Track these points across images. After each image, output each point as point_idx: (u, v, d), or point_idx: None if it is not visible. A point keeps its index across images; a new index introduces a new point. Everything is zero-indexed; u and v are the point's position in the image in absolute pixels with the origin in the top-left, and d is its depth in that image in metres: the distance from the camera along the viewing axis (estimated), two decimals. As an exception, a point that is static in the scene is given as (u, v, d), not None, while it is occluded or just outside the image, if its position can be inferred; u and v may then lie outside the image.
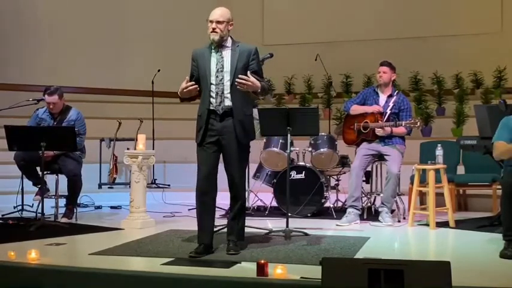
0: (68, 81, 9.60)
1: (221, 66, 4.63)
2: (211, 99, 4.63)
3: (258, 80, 4.61)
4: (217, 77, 4.62)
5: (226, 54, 4.66)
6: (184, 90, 4.59)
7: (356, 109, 6.46)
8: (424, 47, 10.18)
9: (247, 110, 4.73)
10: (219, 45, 4.65)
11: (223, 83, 4.62)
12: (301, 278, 3.77)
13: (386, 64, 6.40)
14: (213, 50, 4.67)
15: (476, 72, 9.72)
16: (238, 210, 4.76)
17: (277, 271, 3.83)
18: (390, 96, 6.41)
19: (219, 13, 4.62)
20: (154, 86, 8.98)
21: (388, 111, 6.33)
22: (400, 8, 10.45)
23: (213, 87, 4.62)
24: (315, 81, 10.52)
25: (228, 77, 4.61)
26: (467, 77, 9.80)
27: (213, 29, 4.59)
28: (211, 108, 4.63)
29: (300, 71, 10.51)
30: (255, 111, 5.95)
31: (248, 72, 4.55)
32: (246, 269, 4.15)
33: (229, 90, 4.61)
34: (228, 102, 4.62)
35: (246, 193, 7.14)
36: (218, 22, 4.59)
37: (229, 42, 4.69)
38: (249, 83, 4.50)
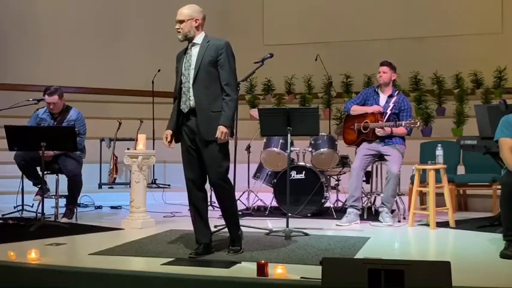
0: (68, 81, 9.61)
1: (188, 64, 4.57)
2: (180, 98, 4.59)
3: (225, 117, 4.47)
4: (184, 75, 4.58)
5: (195, 51, 4.58)
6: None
7: (356, 109, 6.46)
8: (424, 47, 10.19)
9: (214, 106, 4.52)
10: (192, 44, 4.60)
11: (188, 81, 4.55)
12: (301, 278, 3.77)
13: (386, 64, 6.40)
14: (187, 49, 4.64)
15: (476, 72, 9.72)
16: (223, 207, 4.67)
17: (278, 271, 3.83)
18: (390, 96, 6.41)
19: (180, 12, 4.58)
20: (154, 86, 8.98)
21: (389, 112, 6.33)
22: (400, 8, 10.45)
23: (181, 86, 4.58)
24: (315, 81, 10.51)
25: (192, 73, 4.53)
26: (467, 77, 9.79)
27: (177, 29, 4.57)
28: (179, 107, 4.61)
29: (300, 71, 10.50)
30: (255, 111, 5.95)
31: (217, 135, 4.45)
32: (246, 269, 4.15)
33: (193, 88, 4.52)
34: (192, 100, 4.53)
35: (246, 193, 7.21)
36: (179, 21, 4.55)
37: (200, 39, 4.59)
38: (222, 138, 4.44)
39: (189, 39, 4.59)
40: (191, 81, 4.53)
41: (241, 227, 4.85)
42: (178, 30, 4.56)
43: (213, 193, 5.49)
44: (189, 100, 4.55)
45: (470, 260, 4.59)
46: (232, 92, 4.54)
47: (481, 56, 9.71)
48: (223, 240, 4.93)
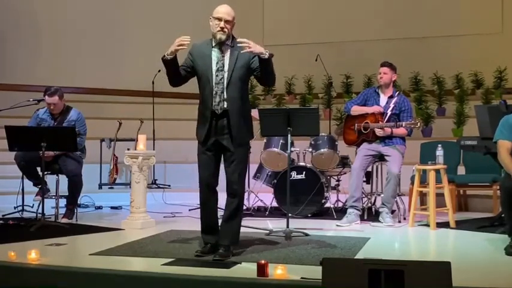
0: (68, 81, 9.62)
1: (221, 65, 4.54)
2: (212, 99, 4.55)
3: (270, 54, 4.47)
4: (217, 76, 4.54)
5: (227, 53, 4.56)
6: (176, 43, 4.45)
7: (356, 110, 6.46)
8: (425, 47, 10.19)
9: (244, 109, 4.63)
10: (221, 44, 4.55)
11: (222, 83, 4.53)
12: (301, 278, 3.77)
13: (386, 65, 6.39)
14: (213, 48, 4.58)
15: (476, 73, 9.73)
16: (234, 210, 4.60)
17: (278, 271, 3.82)
18: (391, 97, 6.40)
19: (228, 12, 4.53)
20: (154, 86, 8.98)
21: (389, 112, 6.32)
22: (400, 9, 10.46)
23: (213, 87, 4.55)
24: (315, 81, 10.52)
25: (226, 76, 4.53)
26: (467, 77, 9.80)
27: (222, 28, 4.49)
28: (212, 108, 4.56)
29: (301, 72, 10.51)
30: (256, 112, 5.96)
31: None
32: (246, 269, 4.15)
33: (226, 90, 4.53)
34: (226, 103, 4.53)
35: (246, 194, 7.20)
36: (227, 21, 4.50)
37: (229, 40, 4.58)
38: (251, 44, 4.36)
39: (224, 40, 4.54)
40: (225, 84, 4.53)
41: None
42: (224, 30, 4.50)
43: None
44: (223, 102, 4.54)
45: (470, 260, 4.59)
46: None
47: (481, 56, 9.71)
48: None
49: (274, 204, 6.94)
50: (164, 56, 4.54)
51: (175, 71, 4.62)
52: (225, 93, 4.53)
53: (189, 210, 7.10)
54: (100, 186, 8.55)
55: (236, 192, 4.60)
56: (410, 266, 3.16)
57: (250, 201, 7.24)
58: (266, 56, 4.41)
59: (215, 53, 4.58)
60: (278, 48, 9.00)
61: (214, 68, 4.55)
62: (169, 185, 8.75)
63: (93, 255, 4.64)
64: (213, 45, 4.59)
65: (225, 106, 4.54)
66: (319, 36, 10.68)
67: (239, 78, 4.54)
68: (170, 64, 4.56)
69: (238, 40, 4.46)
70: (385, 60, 6.48)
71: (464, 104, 9.20)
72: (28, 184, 6.62)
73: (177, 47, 4.48)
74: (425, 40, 10.23)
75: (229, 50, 4.57)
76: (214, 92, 4.54)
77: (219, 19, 4.50)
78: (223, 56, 4.56)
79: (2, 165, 8.01)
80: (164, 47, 4.65)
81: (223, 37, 4.51)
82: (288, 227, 5.44)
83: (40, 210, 6.03)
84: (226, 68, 4.54)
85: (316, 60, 8.69)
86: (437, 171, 6.06)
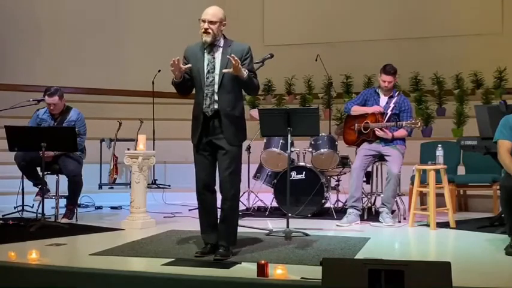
0: (68, 81, 9.62)
1: (212, 67, 4.53)
2: (204, 101, 4.55)
3: (249, 75, 4.51)
4: (207, 78, 4.53)
5: (218, 55, 4.55)
6: (171, 68, 4.48)
7: (356, 110, 6.46)
8: (425, 47, 10.19)
9: (236, 111, 4.60)
10: (212, 45, 4.54)
11: (213, 85, 4.53)
12: (301, 278, 3.77)
13: (392, 73, 6.29)
14: (205, 50, 4.58)
15: (476, 73, 9.73)
16: (229, 210, 4.59)
17: (278, 271, 3.82)
18: (391, 97, 6.41)
19: (212, 13, 4.51)
20: (154, 86, 8.98)
21: (389, 112, 6.33)
22: (400, 9, 10.45)
23: (204, 89, 4.54)
24: (315, 81, 10.51)
25: (217, 79, 4.52)
26: (467, 77, 9.80)
27: (206, 29, 4.48)
28: (203, 110, 4.55)
29: (301, 72, 10.50)
30: (256, 112, 5.96)
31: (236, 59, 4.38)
32: (247, 269, 4.15)
33: (218, 92, 4.52)
34: (216, 104, 4.52)
35: (246, 194, 7.20)
36: (211, 22, 4.48)
37: (221, 42, 4.57)
38: (236, 64, 4.34)
39: (214, 42, 4.53)
40: (216, 86, 4.52)
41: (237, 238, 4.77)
42: (208, 31, 4.48)
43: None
44: (213, 104, 4.53)
45: (470, 260, 4.59)
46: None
47: (481, 56, 9.71)
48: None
49: (274, 204, 6.94)
50: (173, 80, 4.60)
51: (186, 86, 4.67)
52: (215, 95, 4.52)
53: (189, 210, 7.10)
54: (100, 186, 8.55)
55: (230, 192, 4.58)
56: (410, 266, 3.16)
57: (250, 201, 7.24)
58: (244, 78, 4.47)
59: (207, 55, 4.57)
60: (278, 48, 9.01)
61: (205, 70, 4.55)
62: (169, 185, 8.75)
63: (93, 255, 4.64)
64: (205, 47, 4.58)
65: (216, 107, 4.52)
66: (319, 36, 10.67)
67: (231, 79, 4.52)
68: (180, 84, 4.62)
69: (231, 56, 4.39)
70: (387, 64, 6.36)
71: (464, 104, 9.20)
72: (28, 184, 6.62)
73: (172, 70, 4.52)
74: (425, 40, 10.23)
75: (220, 51, 4.55)
76: (204, 94, 4.54)
77: (203, 21, 4.50)
78: (214, 58, 4.55)
79: (2, 165, 8.01)
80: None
81: (208, 39, 4.50)
82: (288, 227, 5.44)
83: (40, 210, 6.03)
84: (217, 70, 4.53)
85: (316, 60, 8.69)
86: (437, 171, 6.06)
